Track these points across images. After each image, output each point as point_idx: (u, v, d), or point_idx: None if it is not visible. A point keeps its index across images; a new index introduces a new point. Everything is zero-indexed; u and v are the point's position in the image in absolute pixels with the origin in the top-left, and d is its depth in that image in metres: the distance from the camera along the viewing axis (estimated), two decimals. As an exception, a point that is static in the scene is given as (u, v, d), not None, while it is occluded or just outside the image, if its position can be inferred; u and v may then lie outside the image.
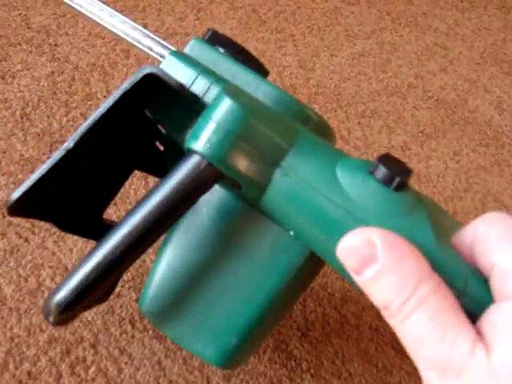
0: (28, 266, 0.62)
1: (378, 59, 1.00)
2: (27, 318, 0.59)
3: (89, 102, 0.78)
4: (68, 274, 0.38)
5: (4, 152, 0.70)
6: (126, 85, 0.40)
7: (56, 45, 0.86)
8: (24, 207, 0.43)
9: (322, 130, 0.43)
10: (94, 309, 0.60)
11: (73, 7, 0.50)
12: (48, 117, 0.75)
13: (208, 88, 0.40)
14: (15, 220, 0.65)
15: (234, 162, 0.35)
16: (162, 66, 0.43)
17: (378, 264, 0.31)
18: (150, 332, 0.60)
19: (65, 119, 0.75)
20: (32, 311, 0.59)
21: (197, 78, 0.41)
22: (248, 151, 0.35)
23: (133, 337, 0.59)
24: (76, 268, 0.38)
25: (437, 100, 0.97)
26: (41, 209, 0.46)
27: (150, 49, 0.47)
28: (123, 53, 0.87)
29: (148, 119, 0.47)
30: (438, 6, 1.19)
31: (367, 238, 0.31)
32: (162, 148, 0.54)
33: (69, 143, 0.42)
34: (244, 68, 0.43)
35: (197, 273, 0.44)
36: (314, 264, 0.42)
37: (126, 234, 0.37)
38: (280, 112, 0.41)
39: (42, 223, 0.65)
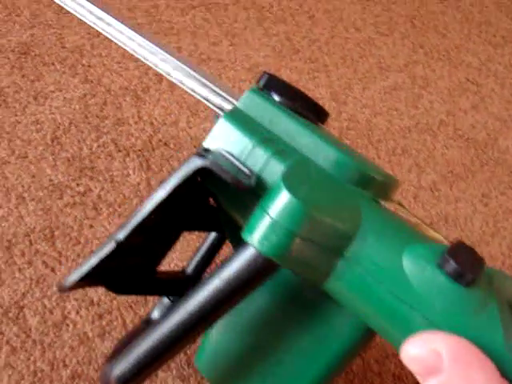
0: (53, 298, 0.61)
1: (410, 94, 0.99)
2: (51, 352, 0.58)
3: (120, 128, 0.78)
4: (128, 348, 0.39)
5: (33, 176, 0.70)
6: (175, 179, 0.38)
7: (89, 66, 0.85)
8: (77, 285, 0.43)
9: (386, 189, 0.41)
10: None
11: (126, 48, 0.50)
12: (78, 141, 0.75)
13: (266, 162, 0.38)
14: (42, 248, 0.64)
15: (293, 258, 0.33)
16: (214, 133, 0.40)
17: (443, 375, 0.29)
18: (174, 372, 0.59)
19: (95, 145, 0.75)
20: (56, 345, 0.58)
21: (254, 148, 0.38)
22: (308, 246, 0.33)
23: (156, 376, 0.58)
24: (135, 345, 0.39)
25: (467, 139, 0.96)
26: (93, 280, 0.45)
27: (207, 99, 0.45)
28: (156, 77, 0.86)
29: (202, 185, 0.45)
30: (470, 40, 1.18)
31: (432, 348, 0.30)
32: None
33: (119, 235, 0.40)
34: (303, 126, 0.40)
35: (253, 342, 0.44)
36: (370, 335, 0.41)
37: (183, 320, 0.37)
38: (341, 184, 0.38)
39: (69, 253, 0.65)
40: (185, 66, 0.46)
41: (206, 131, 0.81)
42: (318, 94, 0.92)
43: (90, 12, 0.52)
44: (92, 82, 0.83)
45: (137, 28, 0.49)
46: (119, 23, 0.50)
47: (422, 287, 0.32)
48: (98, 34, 0.88)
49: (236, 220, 0.41)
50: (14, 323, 0.59)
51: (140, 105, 0.82)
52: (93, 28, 0.88)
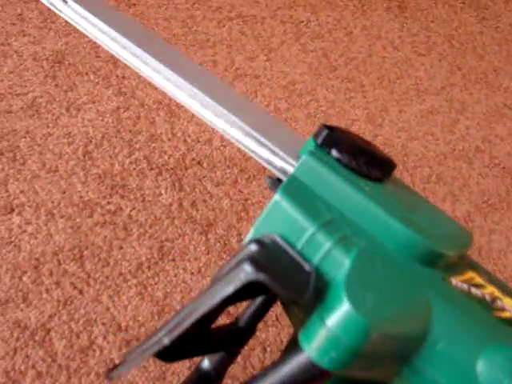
0: (81, 321, 0.60)
1: (447, 118, 0.97)
2: (76, 378, 0.57)
3: (153, 144, 0.76)
4: None
5: (64, 192, 0.68)
6: (225, 292, 0.34)
7: (123, 77, 0.83)
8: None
9: (460, 255, 0.38)
10: (146, 374, 0.58)
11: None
12: (110, 157, 0.73)
13: (327, 253, 0.34)
14: (71, 268, 0.63)
15: (353, 372, 0.31)
16: (268, 214, 0.36)
17: None
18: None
19: (127, 161, 0.73)
20: (82, 371, 0.57)
21: (313, 235, 0.34)
22: (372, 359, 0.31)
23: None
24: None
25: (503, 168, 0.94)
26: None
27: (269, 162, 0.42)
28: (190, 92, 0.84)
29: None
30: (509, 63, 1.15)
31: None
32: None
33: (164, 340, 0.37)
34: (365, 195, 0.37)
35: None
36: None
37: None
38: (409, 275, 0.35)
39: (97, 274, 0.63)
40: (240, 122, 0.43)
41: (240, 151, 0.79)
42: (354, 115, 0.90)
43: (158, 72, 0.46)
44: (126, 94, 0.81)
45: (189, 77, 0.45)
46: (172, 73, 0.45)
47: None
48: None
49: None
50: (40, 346, 0.58)
51: (174, 120, 0.80)
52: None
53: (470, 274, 0.38)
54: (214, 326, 0.46)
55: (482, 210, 0.86)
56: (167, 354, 0.44)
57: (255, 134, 0.43)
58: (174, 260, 0.66)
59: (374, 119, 0.91)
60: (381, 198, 0.37)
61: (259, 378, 0.34)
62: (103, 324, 0.60)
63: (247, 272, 0.32)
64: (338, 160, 0.39)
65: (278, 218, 0.36)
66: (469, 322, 0.33)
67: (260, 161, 0.42)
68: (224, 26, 0.97)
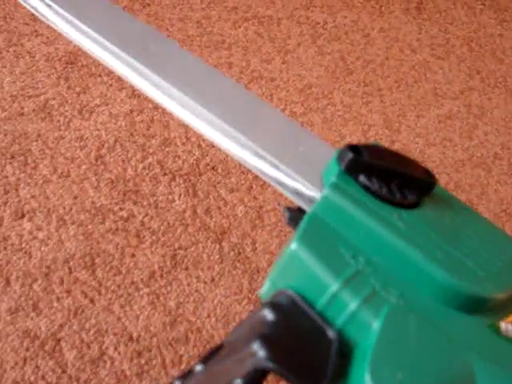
0: (92, 331, 0.59)
1: (465, 124, 0.95)
2: (86, 390, 0.55)
3: (166, 149, 0.75)
4: None
5: (75, 198, 0.67)
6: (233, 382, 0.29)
7: (137, 79, 0.82)
8: None
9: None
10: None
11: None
12: (123, 161, 0.72)
13: (352, 315, 0.30)
14: (82, 277, 0.62)
15: None
16: (285, 265, 0.32)
17: None
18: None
19: (140, 166, 0.72)
20: (92, 382, 0.56)
21: (337, 293, 0.30)
22: None
23: None
24: None
25: (523, 175, 0.92)
26: None
27: (286, 188, 0.37)
28: (205, 95, 0.83)
29: None
30: (529, 67, 1.13)
31: None
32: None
33: None
34: (398, 239, 0.32)
35: None
36: None
37: None
38: (446, 342, 0.30)
39: (109, 283, 0.62)
40: (259, 149, 0.38)
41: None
42: (371, 119, 0.89)
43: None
44: (139, 96, 0.80)
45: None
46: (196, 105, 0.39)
47: None
48: (148, 45, 0.85)
49: None
50: (50, 357, 0.57)
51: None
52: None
53: None
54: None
55: (500, 218, 0.84)
56: None
57: (268, 156, 0.38)
58: (187, 269, 0.65)
59: (392, 124, 0.89)
60: (416, 233, 0.33)
61: None
62: (114, 334, 0.59)
63: (258, 359, 0.28)
64: (365, 187, 0.34)
65: (296, 271, 0.32)
66: None
67: (277, 186, 0.38)
68: (240, 27, 0.95)
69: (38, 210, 0.65)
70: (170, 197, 0.70)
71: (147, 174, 0.72)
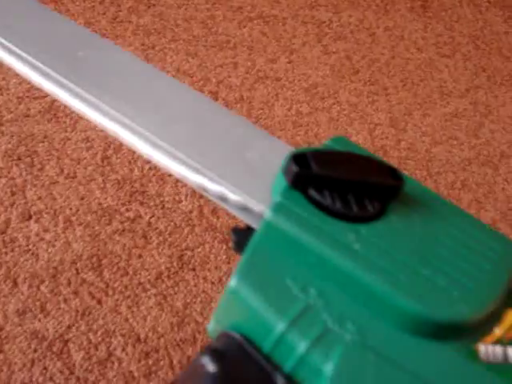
0: (99, 332, 0.59)
1: (472, 122, 0.95)
2: (94, 391, 0.55)
3: (172, 149, 0.75)
4: None
5: (82, 199, 0.67)
6: None
7: (142, 80, 0.82)
8: None
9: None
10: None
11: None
12: (129, 162, 0.72)
13: (301, 359, 0.27)
14: (89, 278, 0.62)
15: None
16: (225, 305, 0.29)
17: None
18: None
19: (147, 166, 0.72)
20: (100, 383, 0.56)
21: (283, 334, 0.27)
22: None
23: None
24: None
25: (530, 173, 0.92)
26: None
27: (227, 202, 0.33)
28: (211, 95, 0.83)
29: None
30: (535, 65, 1.13)
31: None
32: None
33: None
34: (353, 262, 0.28)
35: None
36: None
37: None
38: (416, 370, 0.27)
39: (116, 284, 0.62)
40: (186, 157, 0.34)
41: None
42: (377, 118, 0.88)
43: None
44: (145, 97, 0.80)
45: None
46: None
47: None
48: (153, 45, 0.85)
49: None
50: (58, 358, 0.57)
51: (194, 125, 0.79)
52: (147, 39, 0.86)
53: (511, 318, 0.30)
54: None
55: (507, 217, 0.84)
56: None
57: (204, 169, 0.33)
58: (194, 269, 0.65)
59: (398, 123, 0.89)
60: (376, 253, 0.29)
61: None
62: (122, 335, 0.59)
63: (204, 367, 0.26)
64: (316, 203, 0.30)
65: (239, 310, 0.28)
66: None
67: (220, 203, 0.33)
68: (245, 27, 0.95)
69: (44, 212, 0.65)
70: (177, 197, 0.70)
71: (153, 174, 0.72)
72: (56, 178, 0.68)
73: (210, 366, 0.27)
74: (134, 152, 0.73)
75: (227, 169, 0.33)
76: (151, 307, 0.61)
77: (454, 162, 0.88)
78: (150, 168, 0.72)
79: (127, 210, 0.68)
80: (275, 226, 0.29)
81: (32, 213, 0.65)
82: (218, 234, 0.68)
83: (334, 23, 1.02)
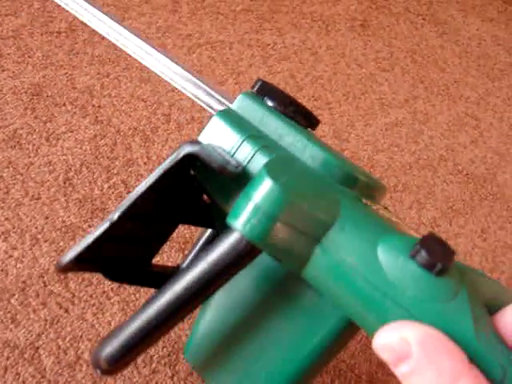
0: (67, 338, 0.63)
1: (411, 130, 1.02)
2: (65, 392, 0.60)
3: (129, 169, 0.80)
4: (116, 330, 0.40)
5: (46, 218, 0.72)
6: (165, 164, 0.41)
7: (99, 106, 0.88)
8: (74, 265, 0.45)
9: (371, 191, 0.42)
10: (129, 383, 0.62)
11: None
12: (90, 182, 0.77)
13: (252, 156, 0.40)
14: (56, 289, 0.67)
15: (274, 242, 0.35)
16: (207, 129, 0.43)
17: (412, 361, 0.30)
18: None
19: (106, 185, 0.77)
20: (70, 385, 0.60)
21: (242, 143, 0.41)
22: (288, 231, 0.34)
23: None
24: (123, 326, 0.39)
25: (466, 174, 0.98)
26: (90, 264, 0.47)
27: (208, 105, 0.48)
28: (164, 117, 0.88)
29: (194, 178, 0.47)
30: (469, 75, 1.20)
31: (402, 336, 0.31)
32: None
33: (113, 215, 0.43)
34: (292, 127, 0.42)
35: (237, 329, 0.46)
36: (352, 328, 0.42)
37: (170, 300, 0.38)
38: (324, 179, 0.40)
39: (81, 294, 0.67)
40: (185, 71, 0.50)
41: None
42: (321, 131, 0.95)
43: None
44: (102, 122, 0.85)
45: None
46: (123, 29, 0.55)
47: (395, 275, 0.33)
48: (108, 74, 0.91)
49: (226, 213, 0.41)
50: (29, 364, 0.61)
51: (149, 145, 0.84)
52: (103, 68, 0.91)
53: (382, 208, 0.42)
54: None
55: (447, 215, 0.91)
56: (112, 274, 0.50)
57: (196, 80, 0.49)
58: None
59: (341, 134, 0.96)
60: (304, 133, 0.42)
61: (193, 262, 0.38)
62: (89, 340, 0.64)
63: (184, 147, 0.40)
64: (270, 106, 0.44)
65: (214, 133, 0.42)
66: (372, 217, 0.38)
67: (200, 102, 0.48)
68: (194, 53, 1.02)
69: (12, 231, 0.70)
70: (135, 212, 0.75)
71: (113, 192, 0.77)
72: (21, 200, 0.73)
73: (188, 142, 0.41)
74: (93, 173, 0.78)
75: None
76: (115, 313, 0.66)
77: (395, 167, 0.94)
78: (109, 187, 0.77)
79: (89, 226, 0.73)
80: (244, 101, 0.44)
81: (0, 233, 0.70)
82: (174, 244, 0.73)
83: (278, 45, 1.09)
